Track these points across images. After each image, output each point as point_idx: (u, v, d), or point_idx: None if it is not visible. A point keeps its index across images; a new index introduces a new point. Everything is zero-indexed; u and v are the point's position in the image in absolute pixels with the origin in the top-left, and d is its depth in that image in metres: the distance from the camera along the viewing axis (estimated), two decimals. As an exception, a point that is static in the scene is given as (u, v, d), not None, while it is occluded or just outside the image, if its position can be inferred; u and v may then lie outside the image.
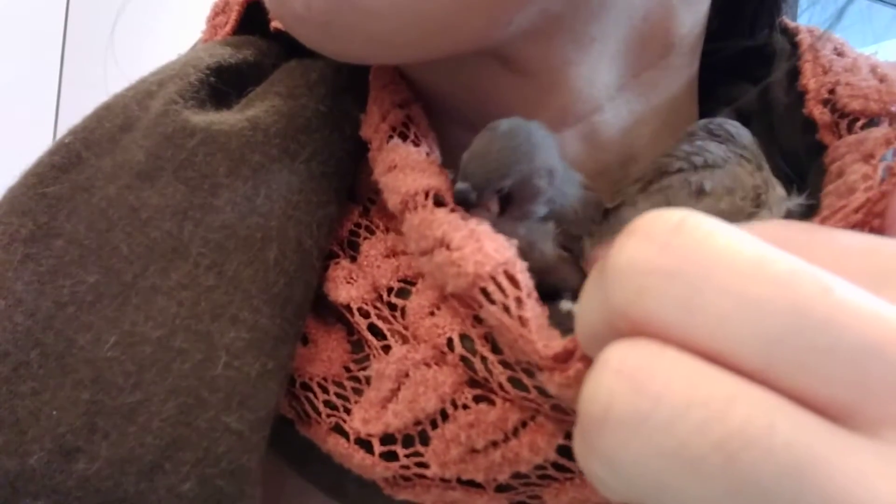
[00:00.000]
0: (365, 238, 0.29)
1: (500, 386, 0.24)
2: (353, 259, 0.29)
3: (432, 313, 0.25)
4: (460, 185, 0.25)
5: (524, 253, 0.24)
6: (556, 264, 0.26)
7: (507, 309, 0.22)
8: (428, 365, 0.25)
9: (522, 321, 0.22)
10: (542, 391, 0.23)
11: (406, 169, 0.26)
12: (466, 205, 0.25)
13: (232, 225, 0.26)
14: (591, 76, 0.29)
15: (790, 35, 0.34)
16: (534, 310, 0.22)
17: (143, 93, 0.30)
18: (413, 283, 0.26)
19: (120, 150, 0.28)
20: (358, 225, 0.29)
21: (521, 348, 0.22)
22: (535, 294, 0.23)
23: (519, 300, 0.22)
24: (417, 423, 0.25)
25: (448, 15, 0.24)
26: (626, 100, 0.31)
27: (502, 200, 0.25)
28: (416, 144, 0.28)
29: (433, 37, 0.25)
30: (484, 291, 0.22)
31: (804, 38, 0.33)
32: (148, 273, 0.25)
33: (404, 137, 0.28)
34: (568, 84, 0.29)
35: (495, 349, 0.24)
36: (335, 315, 0.28)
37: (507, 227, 0.25)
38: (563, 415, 0.23)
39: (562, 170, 0.26)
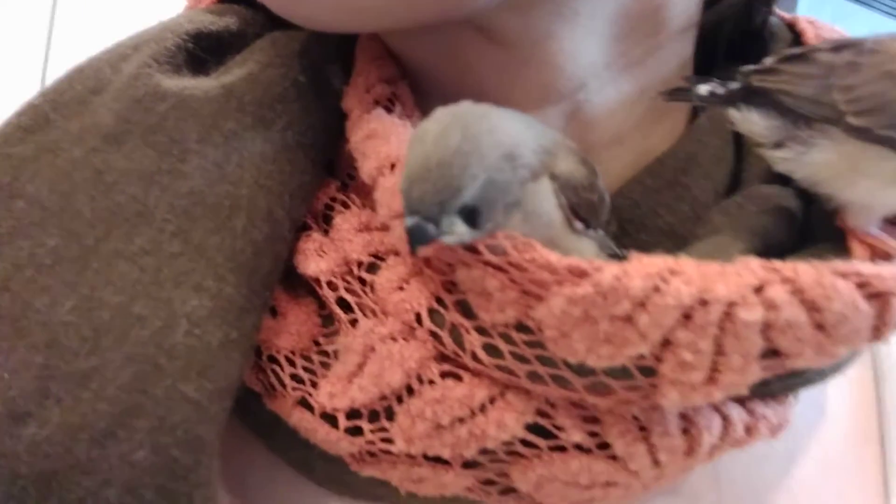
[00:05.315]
0: (339, 212, 0.28)
1: (473, 355, 0.23)
2: (327, 233, 0.28)
3: (401, 288, 0.25)
4: (410, 221, 0.21)
5: (528, 228, 0.22)
6: (562, 230, 0.23)
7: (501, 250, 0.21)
8: (394, 339, 0.24)
9: (527, 244, 0.21)
10: (518, 356, 0.22)
11: (387, 137, 0.26)
12: (425, 241, 0.21)
13: (200, 192, 0.26)
14: (575, 52, 0.29)
15: (789, 24, 0.34)
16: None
17: (117, 56, 0.29)
18: (383, 259, 0.26)
19: (89, 112, 0.27)
20: (334, 199, 0.29)
21: (521, 278, 0.21)
22: None
23: (514, 236, 0.22)
24: (383, 397, 0.24)
25: None
26: (612, 79, 0.30)
27: (467, 218, 0.21)
28: (402, 119, 0.28)
29: (399, 3, 0.24)
30: None
31: (807, 28, 0.32)
32: (110, 237, 0.25)
33: (388, 112, 0.28)
34: (549, 58, 0.28)
35: (469, 315, 0.23)
36: (307, 288, 0.28)
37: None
38: (538, 385, 0.23)
39: (541, 138, 0.24)
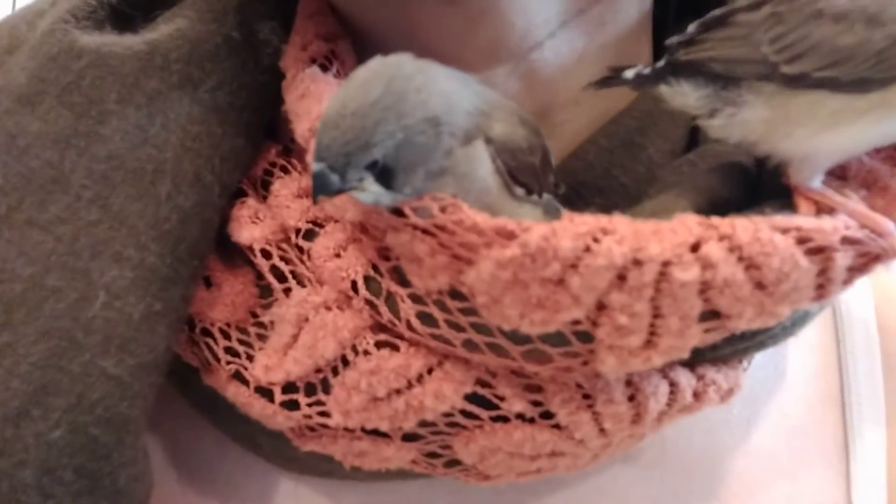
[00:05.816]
0: (278, 177, 0.27)
1: (409, 324, 0.22)
2: (265, 199, 0.27)
3: (338, 255, 0.24)
4: (316, 168, 0.20)
5: (462, 193, 0.21)
6: (500, 196, 0.22)
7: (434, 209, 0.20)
8: (328, 308, 0.23)
9: (455, 205, 0.20)
10: (453, 325, 0.22)
11: (320, 96, 0.24)
12: (328, 191, 0.20)
13: (120, 155, 0.24)
14: (528, 8, 0.27)
15: None
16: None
17: (34, 12, 0.28)
18: (322, 226, 0.25)
19: (2, 72, 0.26)
20: (273, 164, 0.28)
21: (450, 242, 0.20)
22: None
23: (441, 198, 0.21)
24: (318, 370, 0.23)
25: None
26: (568, 38, 0.29)
27: (379, 177, 0.20)
28: (338, 78, 0.26)
29: None
30: None
31: None
32: (23, 205, 0.23)
33: (325, 70, 0.26)
34: (500, 14, 0.27)
35: (404, 282, 0.22)
36: (245, 258, 0.27)
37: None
38: (475, 354, 0.22)
39: (476, 99, 0.23)
